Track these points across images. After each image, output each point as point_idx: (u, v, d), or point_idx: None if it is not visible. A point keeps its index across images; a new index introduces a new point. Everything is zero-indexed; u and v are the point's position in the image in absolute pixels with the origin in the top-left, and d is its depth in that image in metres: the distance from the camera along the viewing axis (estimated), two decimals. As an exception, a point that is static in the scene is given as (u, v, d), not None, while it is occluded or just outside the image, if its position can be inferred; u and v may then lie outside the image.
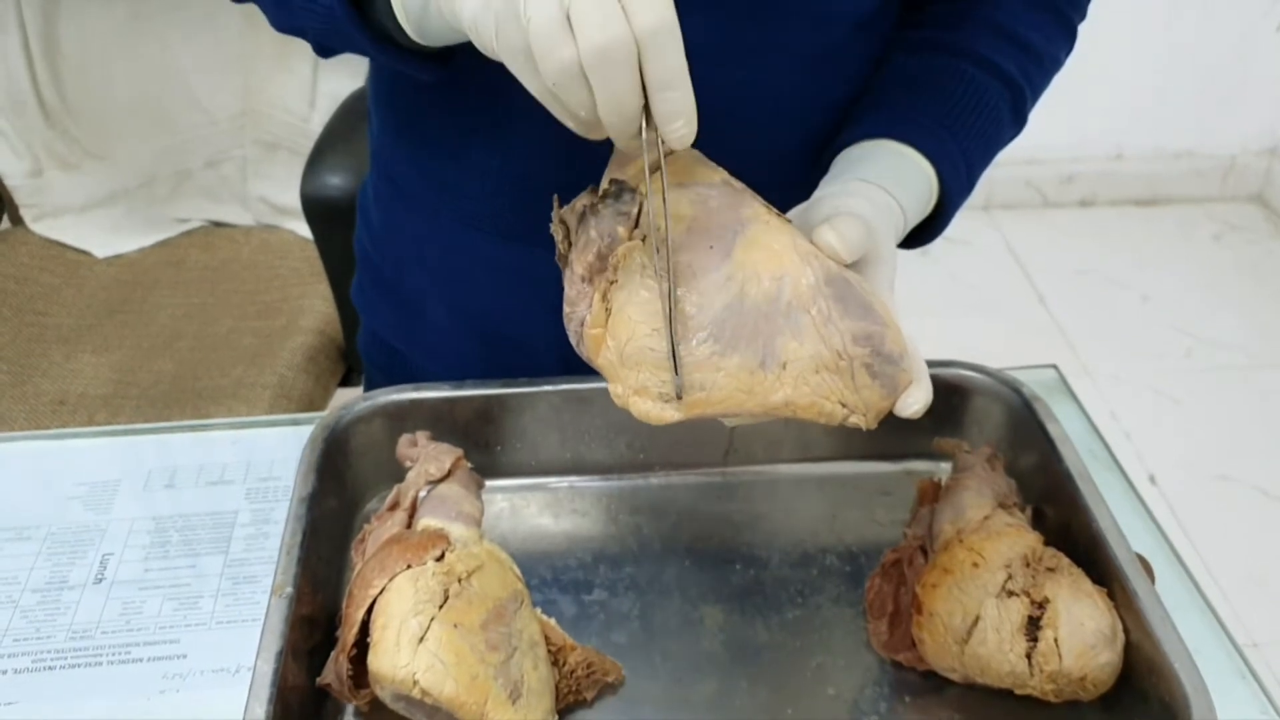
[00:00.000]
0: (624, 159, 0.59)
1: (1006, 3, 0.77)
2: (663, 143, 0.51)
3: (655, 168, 0.53)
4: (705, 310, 0.54)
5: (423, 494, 0.71)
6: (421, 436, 0.75)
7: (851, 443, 0.83)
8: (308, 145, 1.41)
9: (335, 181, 1.32)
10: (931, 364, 0.59)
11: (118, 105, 1.57)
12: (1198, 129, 2.74)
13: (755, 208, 0.57)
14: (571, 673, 0.66)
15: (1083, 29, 0.81)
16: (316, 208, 1.34)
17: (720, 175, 0.59)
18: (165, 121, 1.59)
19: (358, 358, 1.04)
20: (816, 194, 0.67)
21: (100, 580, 0.75)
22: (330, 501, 0.74)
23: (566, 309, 0.57)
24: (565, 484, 0.82)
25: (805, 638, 0.71)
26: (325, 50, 0.71)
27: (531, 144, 0.75)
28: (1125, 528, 0.69)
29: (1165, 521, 1.19)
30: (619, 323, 0.54)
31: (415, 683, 0.59)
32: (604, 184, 0.57)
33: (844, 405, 0.55)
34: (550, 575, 0.76)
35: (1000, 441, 0.80)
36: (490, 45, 0.52)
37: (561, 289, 0.59)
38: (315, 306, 1.47)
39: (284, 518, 0.69)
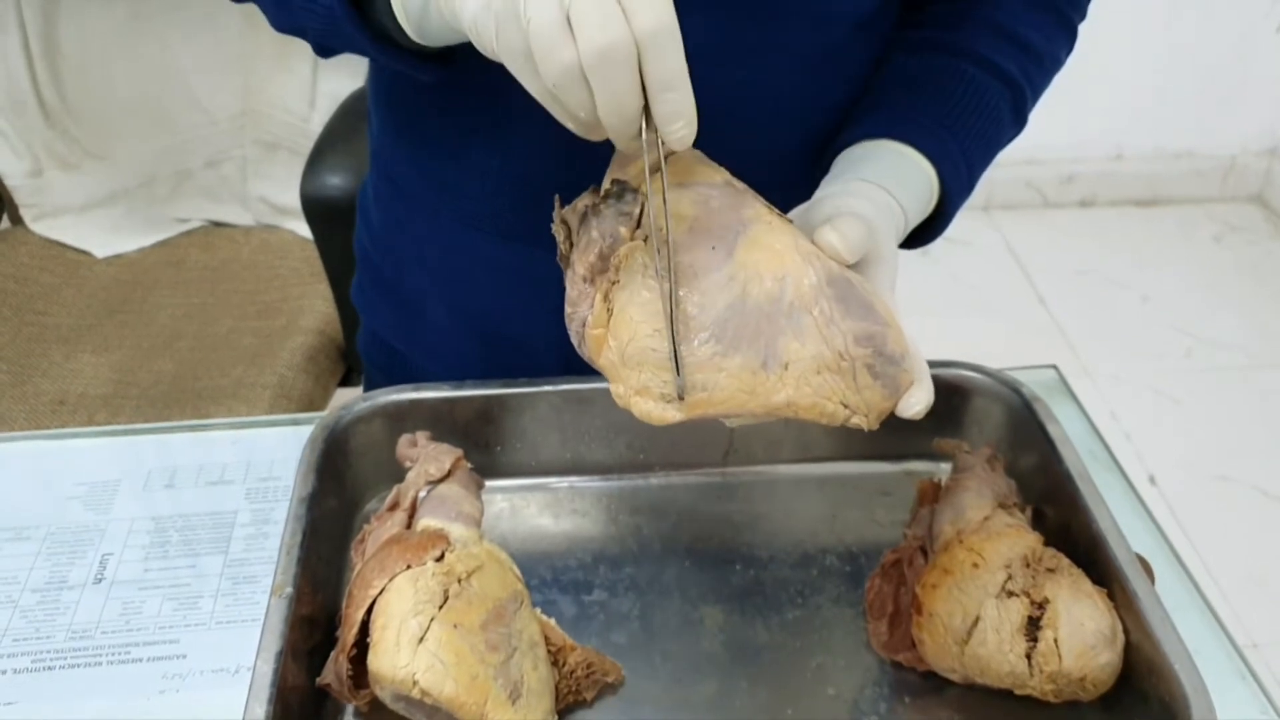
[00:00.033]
0: (626, 159, 0.59)
1: (1007, 3, 0.77)
2: (663, 144, 0.51)
3: (656, 168, 0.53)
4: (707, 310, 0.54)
5: (422, 494, 0.71)
6: (421, 437, 0.75)
7: (851, 443, 0.83)
8: (308, 145, 1.41)
9: (335, 181, 1.32)
10: (932, 364, 0.59)
11: (118, 105, 1.57)
12: (1198, 129, 2.74)
13: (757, 208, 0.57)
14: (571, 673, 0.66)
15: (1083, 29, 0.81)
16: (316, 208, 1.34)
17: (722, 175, 0.59)
18: (165, 121, 1.59)
19: (358, 358, 1.04)
20: (817, 194, 0.67)
21: (100, 580, 0.75)
22: (330, 501, 0.74)
23: (568, 309, 0.57)
24: (565, 484, 0.82)
25: (805, 638, 0.71)
26: (325, 50, 0.71)
27: (531, 144, 0.75)
28: (1125, 528, 0.69)
29: (1165, 522, 1.19)
30: (621, 323, 0.54)
31: (415, 683, 0.59)
32: (606, 184, 0.57)
33: (846, 406, 0.55)
34: (550, 575, 0.76)
35: (1000, 442, 0.80)
36: (490, 46, 0.52)
37: (562, 289, 0.59)
38: (315, 306, 1.47)
39: (284, 518, 0.69)
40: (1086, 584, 0.66)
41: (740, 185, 0.59)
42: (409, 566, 0.63)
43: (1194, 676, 0.60)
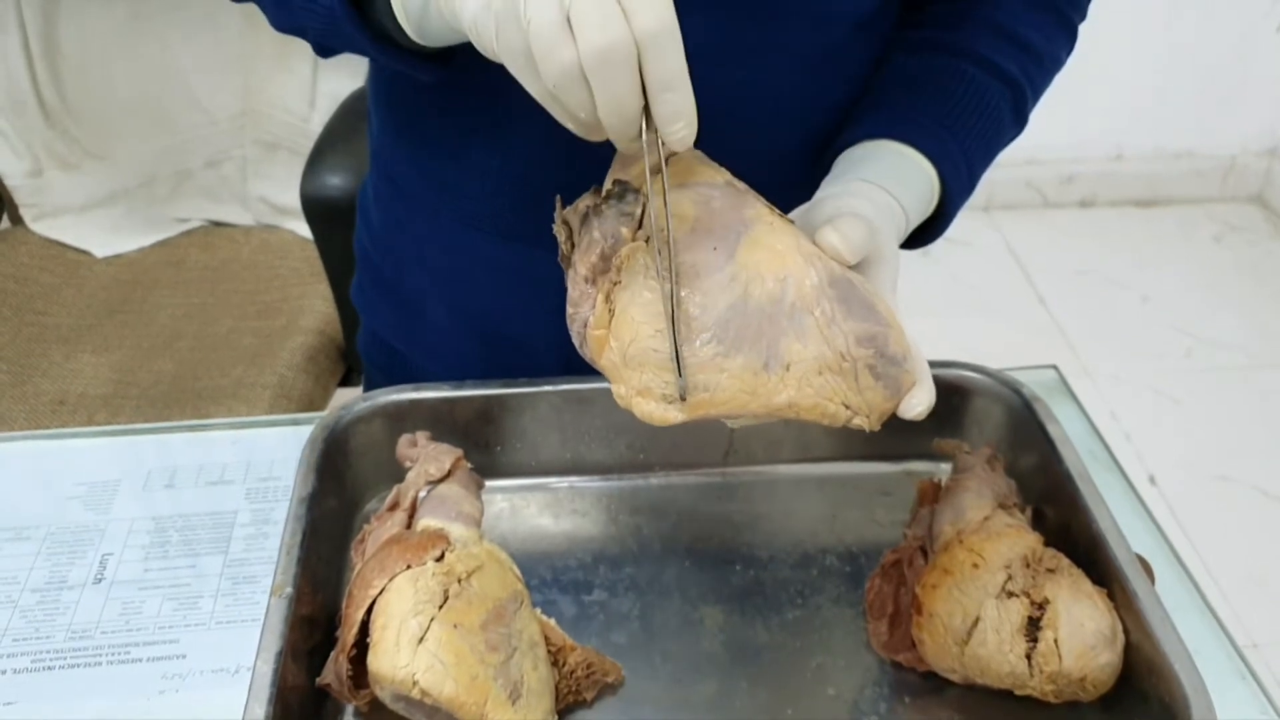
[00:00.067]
0: (627, 160, 0.59)
1: (1007, 3, 0.77)
2: (663, 144, 0.51)
3: (657, 169, 0.52)
4: (709, 311, 0.54)
5: (422, 494, 0.71)
6: (421, 437, 0.75)
7: (851, 443, 0.83)
8: (308, 145, 1.41)
9: (335, 181, 1.32)
10: (932, 364, 0.59)
11: (118, 105, 1.57)
12: (1198, 129, 2.74)
13: (758, 208, 0.57)
14: (571, 673, 0.66)
15: (1083, 29, 0.81)
16: (316, 208, 1.34)
17: (723, 176, 0.59)
18: (165, 121, 1.59)
19: (358, 358, 1.04)
20: (818, 194, 0.67)
21: (100, 580, 0.75)
22: (330, 501, 0.74)
23: (570, 310, 0.57)
24: (565, 484, 0.82)
25: (805, 638, 0.71)
26: (325, 50, 0.71)
27: (531, 144, 0.75)
28: (1125, 528, 0.69)
29: (1165, 522, 1.19)
30: (622, 324, 0.54)
31: (415, 683, 0.59)
32: (607, 185, 0.57)
33: (847, 407, 0.55)
34: (550, 576, 0.76)
35: (1000, 442, 0.80)
36: (490, 47, 0.52)
37: (562, 289, 0.58)
38: (315, 306, 1.47)
39: (284, 518, 0.69)
40: (1086, 584, 0.66)
41: (741, 186, 0.59)
42: (409, 566, 0.63)
43: (1194, 677, 0.60)
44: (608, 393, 0.56)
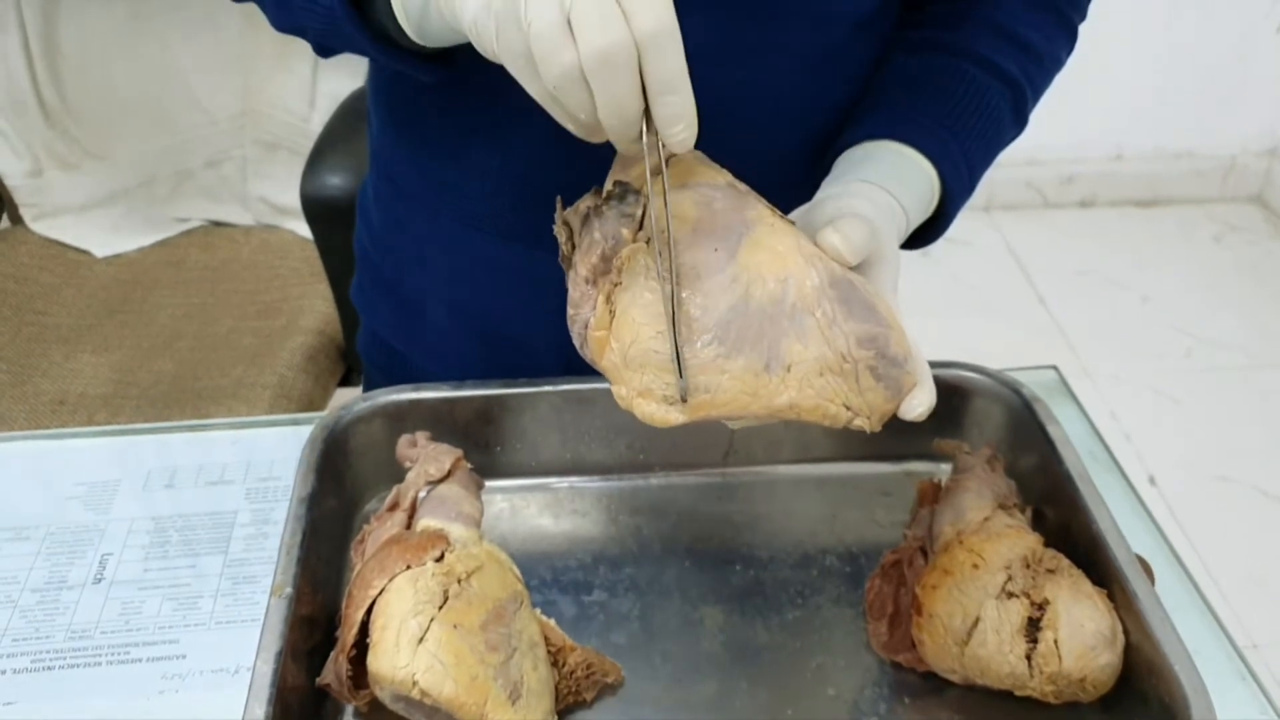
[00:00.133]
0: (628, 161, 0.59)
1: (1007, 3, 0.77)
2: (664, 146, 0.51)
3: (657, 170, 0.52)
4: (710, 312, 0.54)
5: (422, 494, 0.71)
6: (421, 437, 0.75)
7: (851, 444, 0.83)
8: (308, 145, 1.41)
9: (335, 181, 1.32)
10: (932, 365, 0.59)
11: (118, 105, 1.57)
12: (1198, 129, 2.74)
13: (759, 209, 0.57)
14: (571, 673, 0.66)
15: (1083, 29, 0.81)
16: (316, 208, 1.34)
17: (724, 177, 0.59)
18: (165, 121, 1.59)
19: (358, 358, 1.04)
20: (819, 195, 0.67)
21: (99, 580, 0.75)
22: (330, 502, 0.74)
23: (570, 311, 0.57)
24: (565, 485, 0.82)
25: (805, 639, 0.71)
26: (325, 50, 0.71)
27: (531, 144, 0.75)
28: (1125, 529, 0.69)
29: (1165, 522, 1.19)
30: (623, 325, 0.54)
31: (415, 683, 0.59)
32: (607, 186, 0.57)
33: (848, 408, 0.55)
34: (550, 576, 0.76)
35: (1000, 442, 0.80)
36: (491, 48, 0.52)
37: (562, 289, 0.58)
38: (315, 306, 1.47)
39: (284, 518, 0.69)
40: (1086, 585, 0.66)
41: (742, 186, 0.59)
42: (409, 567, 0.63)
43: (1194, 677, 0.60)
44: (608, 393, 0.56)
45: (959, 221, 0.76)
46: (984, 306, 2.46)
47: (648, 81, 0.49)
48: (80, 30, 1.52)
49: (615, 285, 0.55)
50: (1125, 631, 0.65)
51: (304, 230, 1.53)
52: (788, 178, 0.72)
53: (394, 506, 0.70)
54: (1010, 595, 0.65)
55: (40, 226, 1.58)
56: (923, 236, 0.75)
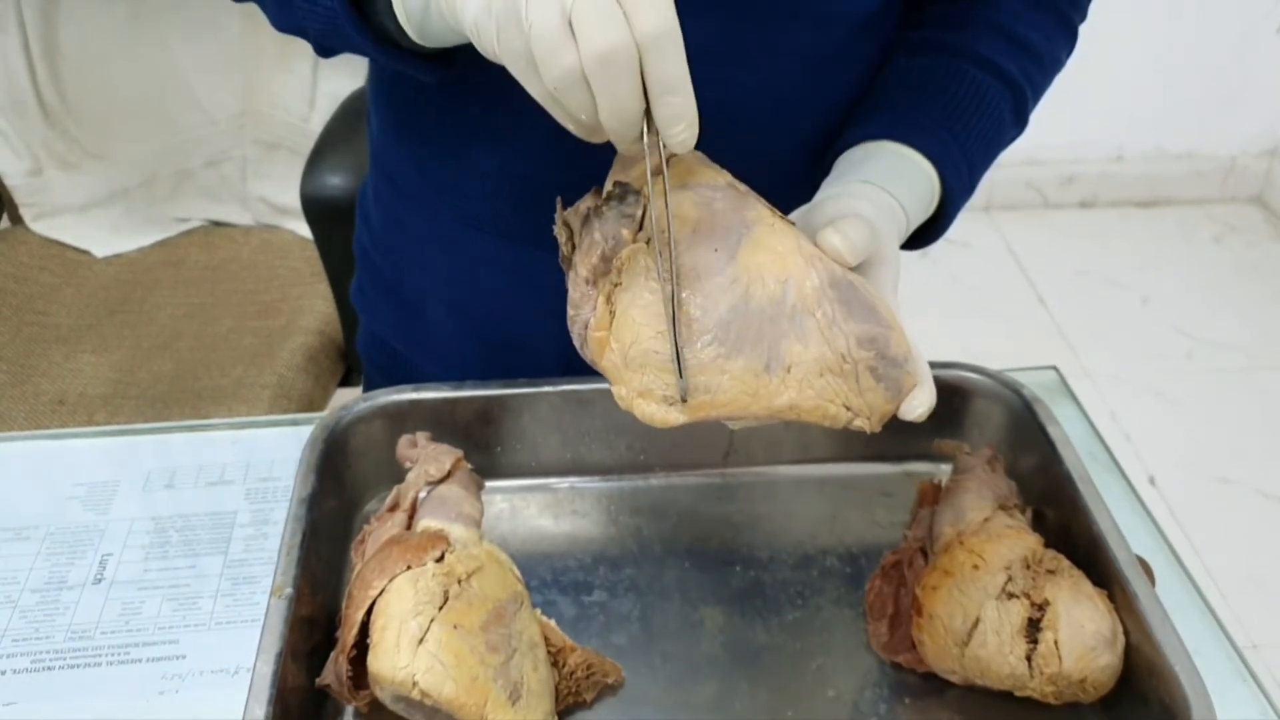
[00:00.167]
0: (628, 161, 0.59)
1: (1007, 3, 0.77)
2: (664, 146, 0.51)
3: (657, 171, 0.52)
4: (710, 313, 0.54)
5: (422, 495, 0.71)
6: (421, 437, 0.75)
7: (851, 444, 0.83)
8: (308, 145, 1.41)
9: (335, 181, 1.32)
10: (932, 365, 0.59)
11: (118, 105, 1.57)
12: (1198, 130, 2.74)
13: (759, 210, 0.57)
14: (571, 674, 0.66)
15: (1083, 29, 0.81)
16: (316, 208, 1.34)
17: (724, 177, 0.59)
18: (165, 121, 1.59)
19: (358, 358, 1.04)
20: (819, 196, 0.67)
21: (99, 580, 0.75)
22: (330, 502, 0.74)
23: (570, 311, 0.57)
24: (565, 485, 0.82)
25: (805, 639, 0.71)
26: (326, 50, 0.71)
27: (532, 145, 0.75)
28: (1125, 529, 0.69)
29: (1165, 523, 1.19)
30: (623, 325, 0.54)
31: (415, 684, 0.59)
32: (608, 186, 0.57)
33: (848, 408, 0.55)
34: (550, 576, 0.76)
35: (1001, 443, 0.80)
36: (492, 49, 0.52)
37: (562, 289, 0.58)
38: (315, 306, 1.47)
39: (284, 518, 0.69)
40: (1087, 585, 0.66)
41: (742, 187, 0.59)
42: (409, 567, 0.63)
43: (1194, 678, 0.60)
44: (608, 393, 0.56)
45: (959, 222, 0.76)
46: (984, 307, 2.46)
47: (648, 82, 0.49)
48: (80, 30, 1.52)
49: (615, 286, 0.55)
50: (1125, 632, 0.65)
51: (304, 230, 1.53)
52: (788, 178, 0.72)
53: (394, 507, 0.70)
54: (1010, 596, 0.65)
55: (40, 226, 1.58)
56: (923, 237, 0.75)
